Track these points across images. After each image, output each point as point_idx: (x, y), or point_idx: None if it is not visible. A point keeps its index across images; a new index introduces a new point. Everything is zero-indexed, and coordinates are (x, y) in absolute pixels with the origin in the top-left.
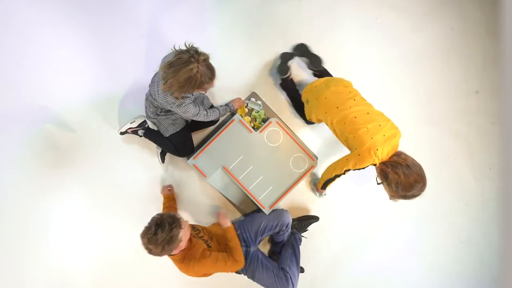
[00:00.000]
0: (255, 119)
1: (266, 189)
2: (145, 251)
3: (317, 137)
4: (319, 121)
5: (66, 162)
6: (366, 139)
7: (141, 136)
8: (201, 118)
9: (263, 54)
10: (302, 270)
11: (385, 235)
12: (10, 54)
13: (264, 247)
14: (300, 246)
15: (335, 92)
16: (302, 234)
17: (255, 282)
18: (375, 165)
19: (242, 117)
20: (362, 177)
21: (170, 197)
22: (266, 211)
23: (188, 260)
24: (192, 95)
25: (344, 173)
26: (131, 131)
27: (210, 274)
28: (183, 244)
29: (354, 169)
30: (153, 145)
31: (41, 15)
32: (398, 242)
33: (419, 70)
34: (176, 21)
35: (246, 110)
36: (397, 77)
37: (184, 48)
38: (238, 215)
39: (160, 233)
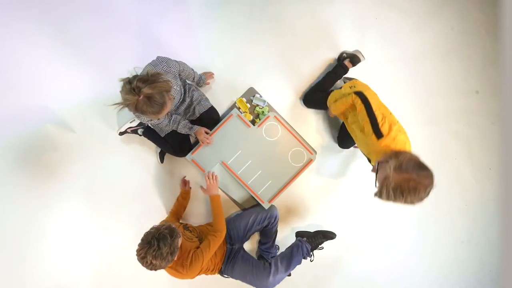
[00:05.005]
0: (257, 115)
1: (265, 184)
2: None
3: (315, 131)
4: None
5: (66, 162)
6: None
7: (140, 135)
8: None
9: (262, 51)
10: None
11: (385, 236)
12: (10, 54)
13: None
14: (302, 260)
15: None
16: (313, 252)
17: (239, 281)
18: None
19: (241, 112)
20: (362, 177)
21: (185, 194)
22: (265, 205)
23: (181, 268)
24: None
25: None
26: (131, 130)
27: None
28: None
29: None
30: (152, 145)
31: (41, 15)
32: (398, 242)
33: (419, 70)
34: (175, 19)
35: (248, 105)
36: (397, 77)
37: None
38: (237, 210)
39: (164, 247)
